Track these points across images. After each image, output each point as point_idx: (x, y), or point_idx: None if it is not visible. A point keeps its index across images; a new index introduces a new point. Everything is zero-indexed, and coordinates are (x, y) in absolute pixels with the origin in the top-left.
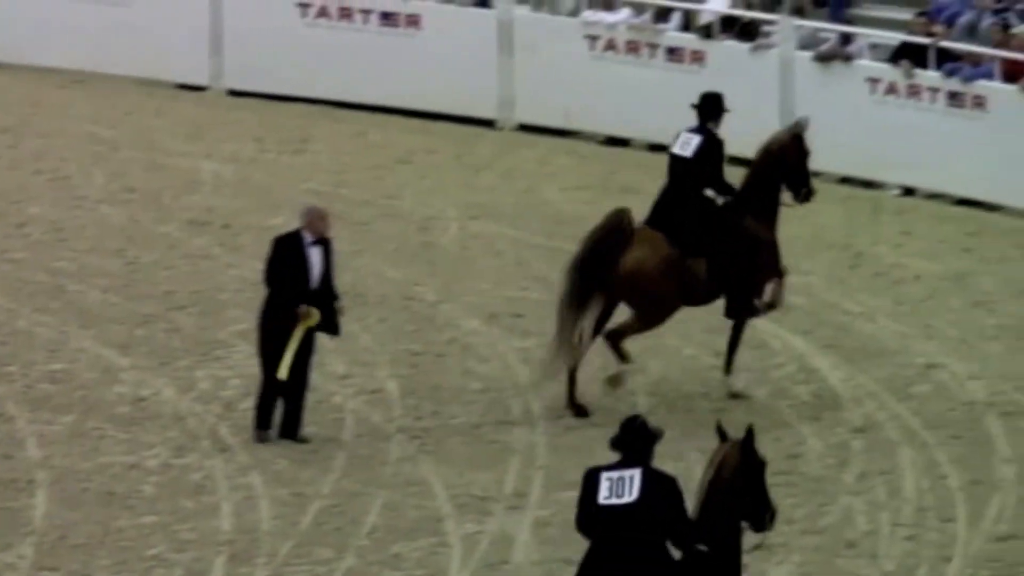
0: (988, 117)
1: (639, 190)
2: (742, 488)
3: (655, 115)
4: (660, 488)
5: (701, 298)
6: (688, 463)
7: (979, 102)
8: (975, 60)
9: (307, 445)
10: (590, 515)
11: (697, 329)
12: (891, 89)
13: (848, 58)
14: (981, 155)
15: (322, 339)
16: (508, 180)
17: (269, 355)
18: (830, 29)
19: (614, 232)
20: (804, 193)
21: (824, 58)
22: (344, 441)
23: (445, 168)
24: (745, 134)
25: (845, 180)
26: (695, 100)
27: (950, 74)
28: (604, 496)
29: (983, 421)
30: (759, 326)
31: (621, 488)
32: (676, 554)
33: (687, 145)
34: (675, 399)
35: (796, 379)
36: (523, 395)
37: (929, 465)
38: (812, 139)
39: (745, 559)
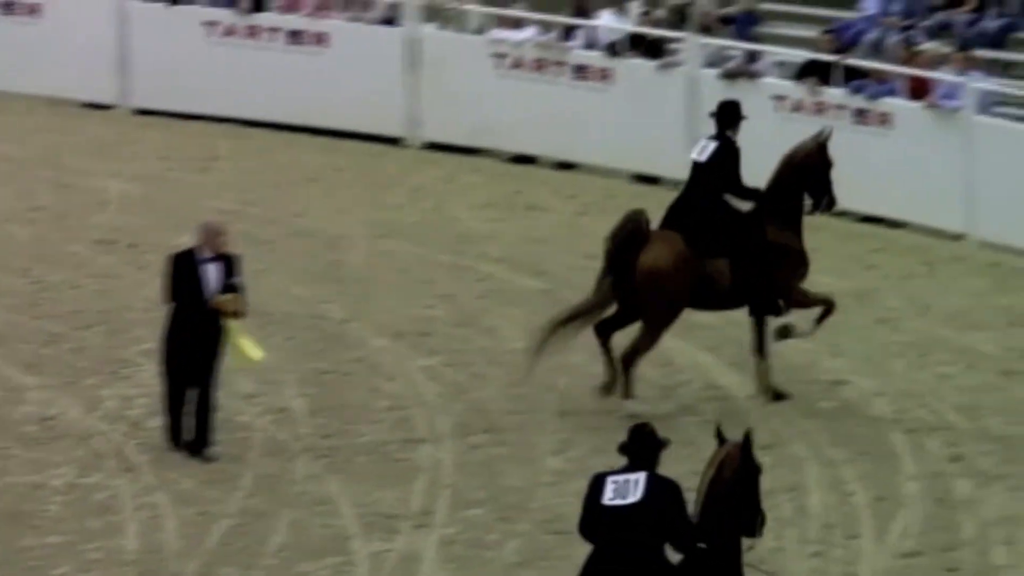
0: (894, 134)
1: (546, 208)
2: (740, 491)
3: (562, 133)
4: (664, 491)
5: (720, 302)
6: None
7: (885, 119)
8: (881, 77)
9: (213, 464)
10: (594, 516)
11: None
12: (797, 106)
13: (754, 76)
14: (886, 172)
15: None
16: (415, 198)
17: (172, 372)
18: (736, 47)
19: (631, 233)
20: (826, 202)
21: (730, 76)
22: (250, 460)
23: (352, 186)
24: (651, 152)
25: None
26: (713, 108)
27: (856, 91)
28: (609, 497)
29: (888, 438)
30: (665, 342)
31: (626, 490)
32: (675, 558)
33: (704, 151)
34: (585, 416)
35: (702, 396)
36: (430, 413)
37: (835, 482)
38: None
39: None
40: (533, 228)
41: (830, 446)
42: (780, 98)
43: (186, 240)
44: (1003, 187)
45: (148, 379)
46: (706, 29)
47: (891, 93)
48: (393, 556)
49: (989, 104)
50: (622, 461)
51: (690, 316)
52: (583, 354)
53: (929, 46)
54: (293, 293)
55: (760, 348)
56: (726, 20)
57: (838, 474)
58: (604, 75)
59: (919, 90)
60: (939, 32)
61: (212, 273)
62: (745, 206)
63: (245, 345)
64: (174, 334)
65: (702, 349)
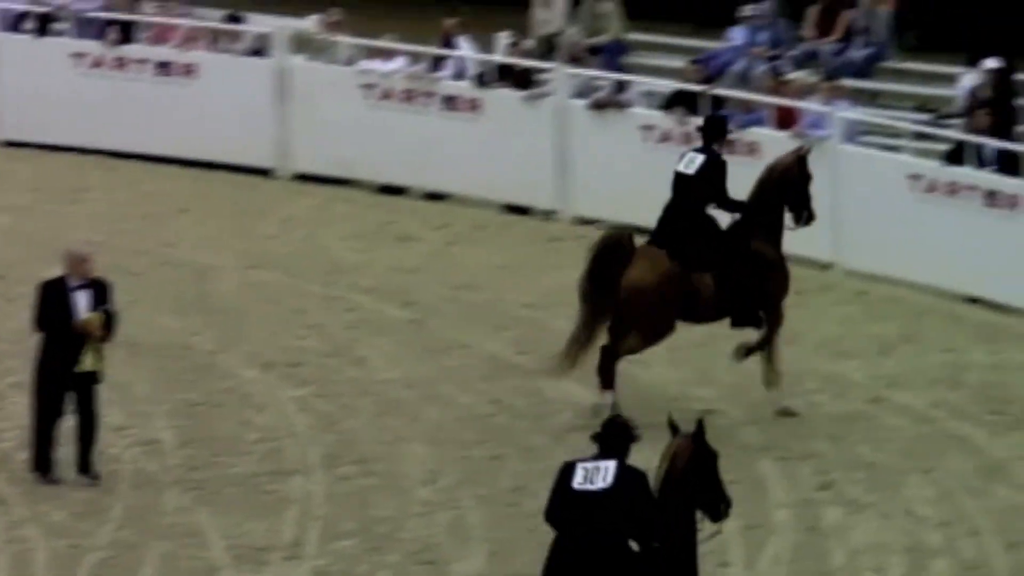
0: (761, 164)
1: (416, 238)
2: (696, 480)
3: (432, 163)
4: (633, 480)
5: (706, 315)
6: (463, 511)
7: (752, 149)
8: (748, 107)
9: (84, 496)
10: (563, 500)
11: (475, 377)
12: (665, 136)
13: (622, 106)
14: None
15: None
16: (286, 228)
17: (44, 400)
18: (605, 77)
19: (612, 250)
20: (805, 216)
21: (599, 106)
22: (121, 492)
23: (222, 217)
24: (521, 182)
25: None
26: (701, 123)
27: None
28: (578, 482)
29: (758, 465)
30: (534, 373)
31: (596, 476)
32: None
33: (691, 164)
34: (454, 446)
35: (572, 425)
36: (300, 444)
37: None
38: (588, 186)
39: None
40: (403, 258)
41: None
42: (648, 128)
43: (56, 272)
44: (870, 216)
45: (17, 411)
46: (575, 59)
47: (758, 123)
48: None
49: (855, 133)
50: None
51: (560, 347)
52: (451, 384)
53: (796, 76)
54: (163, 324)
55: (769, 378)
56: (594, 50)
57: None
58: (473, 106)
59: (786, 120)
60: (806, 62)
61: (82, 300)
62: (727, 219)
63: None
64: (45, 364)
65: (571, 380)
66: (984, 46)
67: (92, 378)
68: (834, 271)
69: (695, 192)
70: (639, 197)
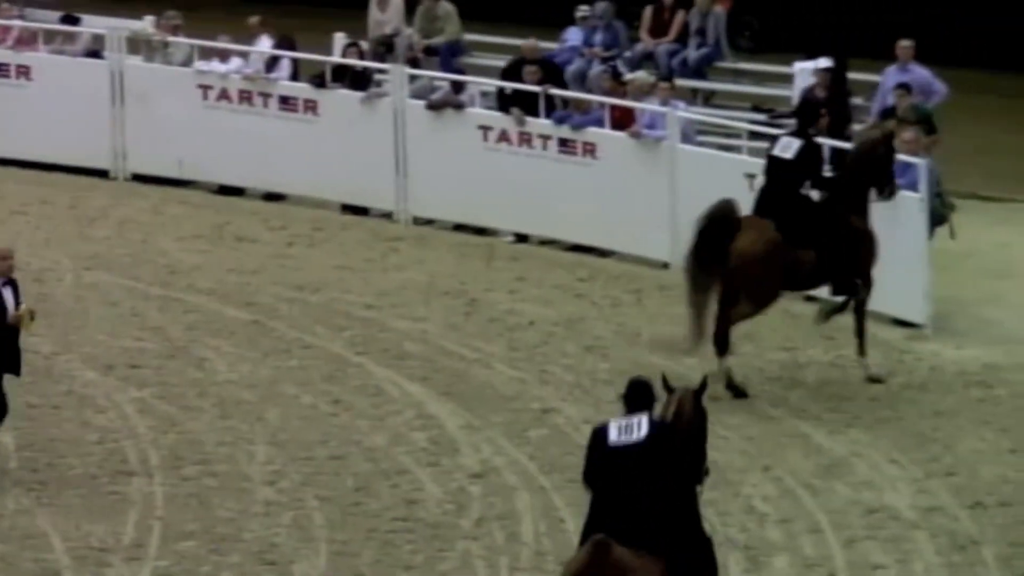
0: (598, 164)
1: (255, 239)
2: (698, 431)
3: (269, 164)
4: (664, 429)
5: (808, 284)
6: (305, 511)
7: (589, 149)
8: (584, 108)
9: None
10: (601, 459)
11: (316, 377)
12: (503, 136)
13: (460, 106)
14: (592, 201)
15: None
16: (122, 230)
17: None
18: (442, 77)
19: (721, 220)
20: (888, 191)
21: (436, 106)
22: None
23: (59, 219)
24: (359, 182)
25: (459, 227)
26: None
27: (560, 122)
28: (614, 439)
29: None
30: (376, 373)
31: (630, 431)
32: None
33: (788, 148)
34: (296, 446)
35: (413, 425)
36: (141, 445)
37: (547, 509)
38: (427, 187)
39: None
40: (242, 259)
41: (541, 474)
42: (486, 128)
43: None
44: None
45: None
46: (412, 60)
47: (596, 123)
48: None
49: (691, 133)
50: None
51: (400, 347)
52: (292, 385)
53: (632, 76)
54: None
55: (861, 346)
56: (431, 51)
57: (549, 501)
58: (310, 106)
59: (623, 120)
60: (642, 62)
61: (8, 296)
62: (819, 195)
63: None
64: None
65: (413, 379)
66: (817, 46)
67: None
68: (672, 270)
69: (795, 174)
70: (478, 197)
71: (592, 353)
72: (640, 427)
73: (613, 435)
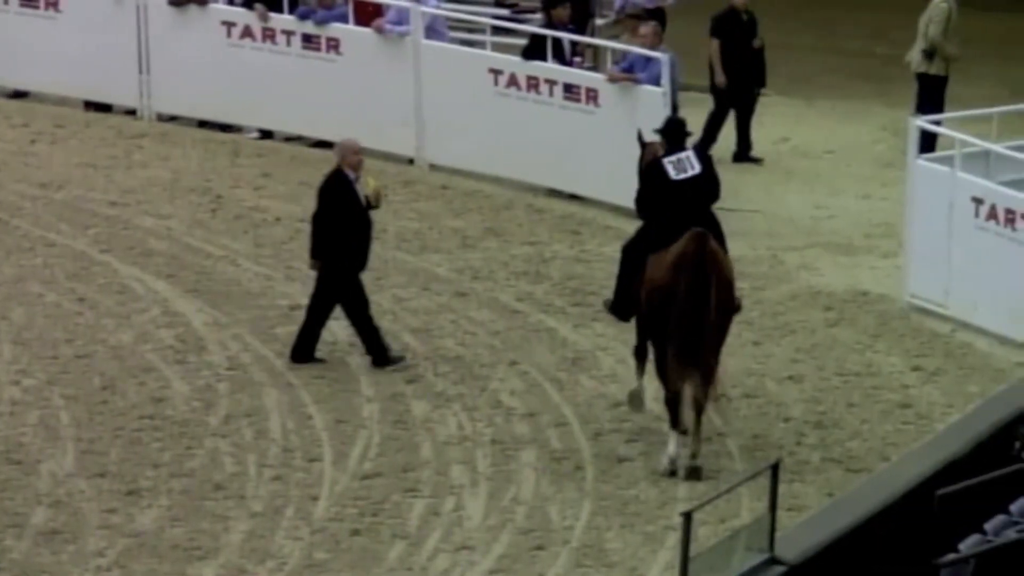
0: (342, 60)
1: None
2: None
3: (12, 61)
4: (709, 159)
5: None
6: (52, 410)
7: (333, 45)
8: (327, 4)
9: None
10: (667, 191)
11: (61, 275)
12: (246, 33)
13: (203, 2)
14: (336, 97)
15: None
16: None
17: None
18: None
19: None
20: None
21: (179, 2)
22: None
23: None
24: (102, 79)
25: (204, 124)
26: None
27: (303, 18)
28: (674, 174)
29: (346, 361)
30: (121, 271)
31: (684, 166)
32: None
33: (691, 165)
34: (40, 348)
35: (160, 323)
36: None
37: (294, 405)
38: (170, 84)
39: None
40: None
41: (288, 370)
42: (230, 24)
43: None
44: (450, 111)
45: None
46: None
47: (340, 19)
48: None
49: (444, 29)
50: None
51: (145, 244)
52: (36, 283)
53: None
54: None
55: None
56: None
57: (297, 397)
58: (51, 3)
59: (367, 16)
60: None
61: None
62: None
63: None
64: None
65: (159, 277)
66: None
67: None
68: (417, 166)
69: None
70: (222, 94)
71: None
72: (692, 162)
73: (672, 172)
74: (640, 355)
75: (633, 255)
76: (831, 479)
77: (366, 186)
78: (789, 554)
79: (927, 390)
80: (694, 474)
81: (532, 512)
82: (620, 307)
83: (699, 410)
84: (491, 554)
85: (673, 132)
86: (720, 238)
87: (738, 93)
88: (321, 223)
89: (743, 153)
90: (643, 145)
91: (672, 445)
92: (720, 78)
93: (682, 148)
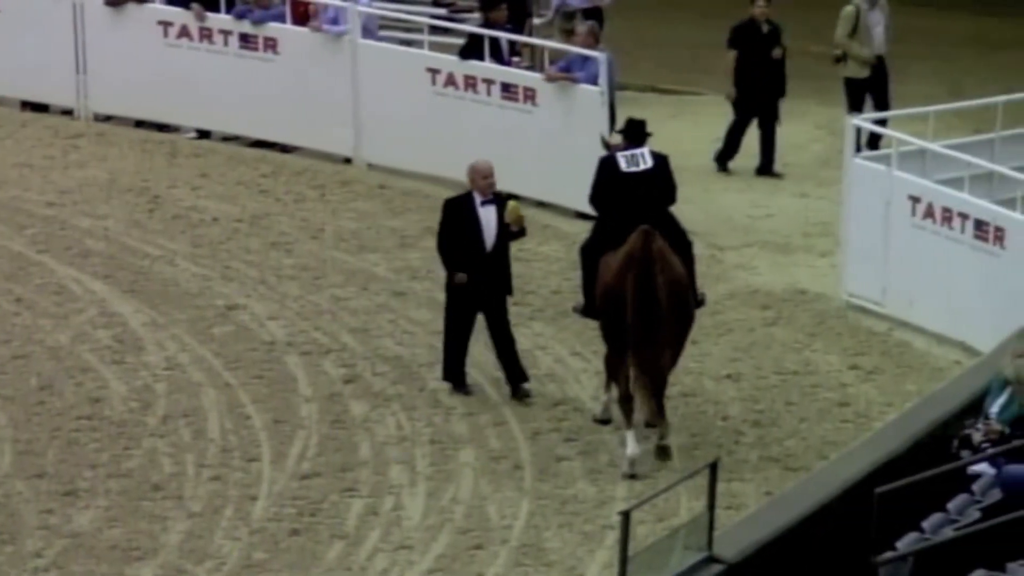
0: (280, 59)
1: None
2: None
3: None
4: (663, 160)
5: None
6: (112, 403)
7: (271, 44)
8: (264, 4)
9: None
10: (615, 183)
11: None
12: (183, 32)
13: (140, 1)
14: (274, 97)
15: None
16: None
17: None
18: None
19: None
20: None
21: (116, 2)
22: None
23: None
24: (38, 78)
25: (140, 124)
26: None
27: (240, 17)
28: (624, 167)
29: (284, 361)
30: (58, 272)
31: (636, 160)
32: None
33: (643, 160)
34: None
35: (97, 323)
36: None
37: (233, 405)
38: (107, 83)
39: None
40: None
41: (226, 370)
42: (166, 24)
43: None
44: (387, 110)
45: None
46: None
47: (277, 18)
48: None
49: (374, 28)
50: None
51: (82, 244)
52: None
53: None
54: None
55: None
56: None
57: (235, 398)
58: None
59: (304, 15)
60: None
61: (491, 215)
62: None
63: None
64: None
65: (96, 277)
66: None
67: None
68: (355, 166)
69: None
70: (159, 93)
71: (276, 249)
72: (644, 159)
73: (623, 164)
74: (610, 365)
75: (590, 255)
76: (769, 478)
77: (508, 213)
78: (727, 553)
79: (865, 389)
80: (663, 453)
81: (471, 511)
82: (591, 309)
83: (659, 407)
84: (430, 553)
85: (633, 131)
86: (680, 235)
87: (757, 104)
88: (439, 241)
89: (766, 167)
90: (607, 147)
91: (631, 446)
92: (730, 90)
93: (639, 147)
